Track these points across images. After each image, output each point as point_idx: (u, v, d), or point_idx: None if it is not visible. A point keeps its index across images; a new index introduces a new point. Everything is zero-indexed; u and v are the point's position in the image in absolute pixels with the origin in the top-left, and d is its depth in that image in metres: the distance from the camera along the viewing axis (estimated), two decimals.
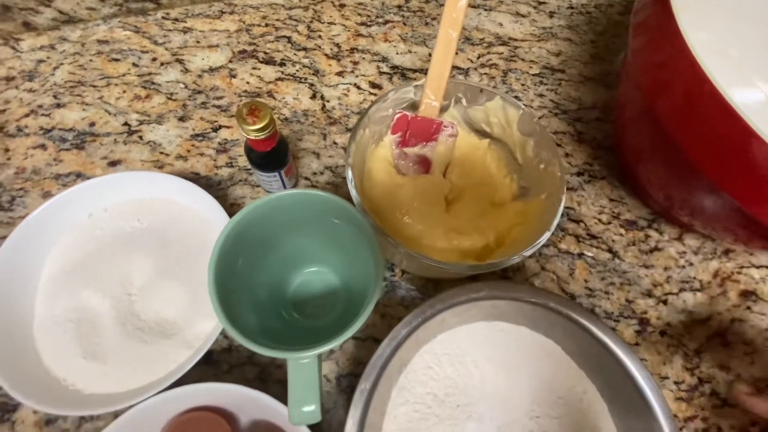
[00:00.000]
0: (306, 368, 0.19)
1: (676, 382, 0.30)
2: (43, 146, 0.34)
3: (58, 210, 0.27)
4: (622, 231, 0.36)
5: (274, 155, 0.28)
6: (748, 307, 0.33)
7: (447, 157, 0.32)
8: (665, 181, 0.33)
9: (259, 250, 0.24)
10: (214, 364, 0.27)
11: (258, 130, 0.25)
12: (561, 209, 0.27)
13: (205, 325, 0.25)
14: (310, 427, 0.22)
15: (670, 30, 0.27)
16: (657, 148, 0.32)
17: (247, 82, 0.38)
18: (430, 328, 0.25)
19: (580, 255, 0.34)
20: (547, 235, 0.26)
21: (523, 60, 0.43)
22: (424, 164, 0.32)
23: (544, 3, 0.47)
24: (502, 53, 0.43)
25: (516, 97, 0.41)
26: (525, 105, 0.35)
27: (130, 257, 0.26)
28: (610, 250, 0.34)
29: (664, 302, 0.33)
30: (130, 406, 0.22)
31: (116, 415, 0.22)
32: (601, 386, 0.26)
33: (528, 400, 0.25)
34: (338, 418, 0.27)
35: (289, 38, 0.41)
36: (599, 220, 0.36)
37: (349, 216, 0.23)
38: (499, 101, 0.31)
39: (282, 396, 0.21)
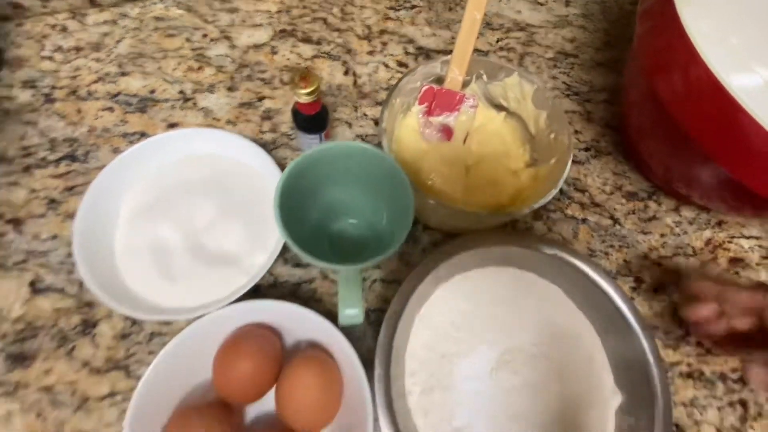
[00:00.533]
0: (352, 279, 0.23)
1: (665, 332, 0.34)
2: (111, 109, 0.38)
3: (131, 161, 0.31)
4: (623, 201, 0.39)
5: (317, 119, 0.32)
6: (736, 272, 0.37)
7: (467, 127, 0.36)
8: (665, 156, 0.36)
9: (309, 194, 0.29)
10: (261, 297, 0.32)
11: (308, 94, 0.29)
12: (567, 170, 0.31)
13: (259, 258, 0.29)
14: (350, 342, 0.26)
15: (670, 17, 0.30)
16: (658, 125, 0.35)
17: (287, 59, 0.42)
18: (448, 268, 0.29)
19: (584, 220, 0.38)
20: (553, 192, 0.30)
21: (539, 45, 0.46)
22: (447, 132, 0.36)
23: None
24: (520, 38, 0.47)
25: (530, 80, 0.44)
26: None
27: (195, 200, 0.30)
28: (611, 217, 0.38)
29: (659, 264, 0.37)
30: (195, 318, 0.26)
31: (180, 331, 0.27)
32: (597, 325, 0.30)
33: (531, 331, 0.29)
34: (367, 345, 0.31)
35: (324, 20, 0.45)
36: (603, 190, 0.39)
37: (384, 164, 0.27)
38: (517, 77, 0.35)
39: None
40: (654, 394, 0.26)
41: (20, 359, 0.29)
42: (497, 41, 0.46)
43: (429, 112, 0.36)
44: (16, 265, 0.32)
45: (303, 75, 0.29)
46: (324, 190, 0.30)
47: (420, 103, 0.36)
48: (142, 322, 0.31)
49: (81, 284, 0.32)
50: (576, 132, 0.42)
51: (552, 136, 0.34)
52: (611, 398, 0.27)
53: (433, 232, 0.36)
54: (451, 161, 0.35)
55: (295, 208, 0.28)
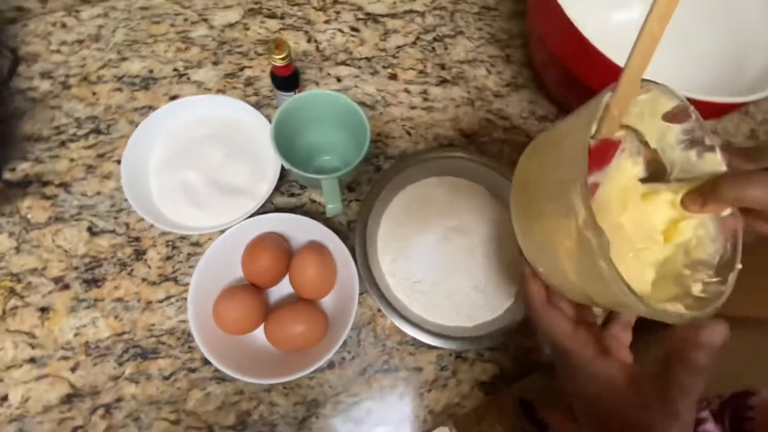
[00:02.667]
0: (332, 185, 0.34)
1: None
2: (120, 89, 0.47)
3: (153, 123, 0.41)
4: (537, 123, 0.51)
5: (291, 79, 0.42)
6: None
7: (613, 175, 0.26)
8: (558, 83, 0.47)
9: (292, 138, 0.39)
10: None
11: (282, 59, 0.39)
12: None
13: (262, 186, 0.40)
14: (337, 234, 0.37)
15: None
16: (550, 61, 0.46)
17: (258, 33, 0.51)
18: (401, 180, 0.40)
19: (506, 141, 0.49)
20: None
21: (466, 2, 0.56)
22: (592, 190, 0.25)
23: None
24: None
25: (461, 32, 0.54)
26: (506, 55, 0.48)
27: (207, 149, 0.40)
28: (527, 136, 0.50)
29: None
30: (222, 231, 0.37)
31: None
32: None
33: (464, 216, 0.41)
34: (351, 244, 0.42)
35: None
36: (521, 116, 0.51)
37: (343, 103, 0.37)
38: (654, 93, 0.24)
39: None
40: None
41: (93, 282, 0.40)
42: (431, 2, 0.55)
43: None
44: (72, 217, 0.41)
45: (277, 44, 0.39)
46: (303, 135, 0.40)
47: None
48: (179, 247, 0.41)
49: (127, 225, 0.41)
50: (499, 72, 0.53)
51: (693, 152, 0.26)
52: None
53: (392, 161, 0.46)
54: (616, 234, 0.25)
55: (284, 147, 0.38)
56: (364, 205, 0.38)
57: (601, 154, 0.25)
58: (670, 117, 0.25)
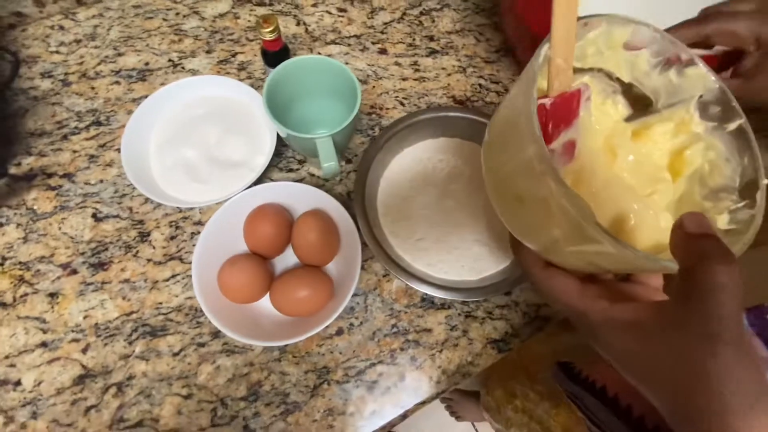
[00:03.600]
0: (326, 144, 0.34)
1: None
2: (117, 82, 0.48)
3: (150, 108, 0.41)
4: None
5: (281, 53, 0.43)
6: None
7: (590, 125, 0.25)
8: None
9: (286, 108, 0.39)
10: None
11: (270, 32, 0.39)
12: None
13: (259, 159, 0.40)
14: (337, 198, 0.38)
15: None
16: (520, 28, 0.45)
17: (248, 20, 0.52)
18: (397, 142, 0.40)
19: (499, 103, 0.49)
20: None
21: None
22: (569, 150, 0.24)
23: None
24: None
25: (446, 4, 0.55)
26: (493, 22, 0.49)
27: (205, 126, 0.41)
28: None
29: None
30: (226, 200, 0.37)
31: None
32: None
33: (460, 175, 0.40)
34: (352, 211, 0.42)
35: None
36: (513, 79, 0.51)
37: (332, 65, 0.38)
38: (604, 26, 0.22)
39: None
40: None
41: (99, 265, 0.40)
42: None
43: (547, 139, 0.22)
44: (77, 205, 0.42)
45: (265, 18, 0.39)
46: (295, 106, 0.41)
47: None
48: (182, 226, 0.42)
49: (131, 209, 0.42)
50: (488, 40, 0.53)
51: (671, 71, 0.23)
52: None
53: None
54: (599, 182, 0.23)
55: (280, 114, 0.38)
56: (360, 168, 0.38)
57: (565, 108, 0.23)
58: (632, 46, 0.23)
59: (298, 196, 0.39)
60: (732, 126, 0.22)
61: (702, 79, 0.23)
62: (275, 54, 0.42)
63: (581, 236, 0.19)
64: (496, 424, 0.67)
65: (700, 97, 0.23)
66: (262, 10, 0.53)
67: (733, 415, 0.16)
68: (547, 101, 0.22)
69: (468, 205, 0.39)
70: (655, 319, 0.18)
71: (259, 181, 0.40)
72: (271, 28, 0.39)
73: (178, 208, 0.42)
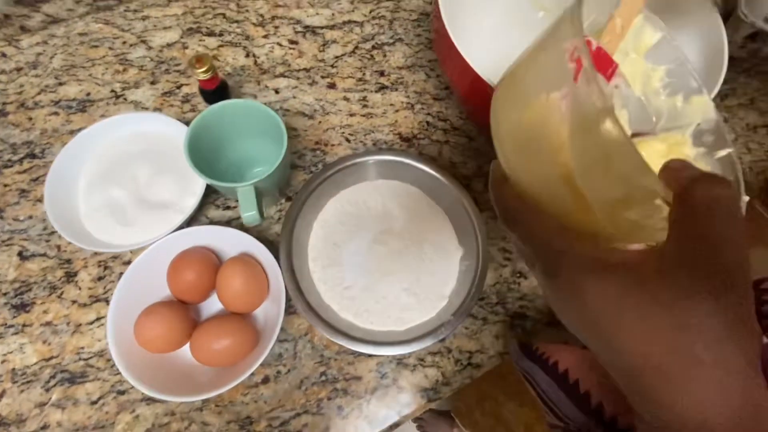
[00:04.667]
0: (248, 193, 0.33)
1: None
2: (56, 113, 0.47)
3: (83, 143, 0.41)
4: (474, 126, 0.51)
5: (218, 91, 0.42)
6: None
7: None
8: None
9: (218, 150, 0.39)
10: None
11: (204, 72, 0.39)
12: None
13: (190, 201, 0.39)
14: (266, 244, 0.37)
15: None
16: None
17: (197, 51, 0.51)
18: (333, 184, 0.40)
19: (446, 141, 0.49)
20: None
21: (404, 10, 0.57)
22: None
23: None
24: (389, 6, 0.57)
25: (399, 39, 0.55)
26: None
27: (136, 165, 0.40)
28: (467, 136, 0.50)
29: None
30: (151, 244, 0.36)
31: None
32: (443, 206, 0.41)
33: (397, 218, 0.40)
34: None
35: (224, 14, 0.54)
36: (460, 117, 0.51)
37: (259, 109, 0.37)
38: (640, 20, 0.24)
39: None
40: (477, 241, 0.37)
41: (22, 307, 0.39)
42: (370, 12, 0.56)
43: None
44: (3, 242, 0.41)
45: (198, 58, 0.39)
46: (230, 146, 0.40)
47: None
48: (111, 266, 0.41)
49: (58, 247, 0.41)
50: (438, 76, 0.53)
51: (678, 96, 0.24)
52: (456, 252, 0.39)
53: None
54: None
55: (209, 158, 0.38)
56: (288, 215, 0.37)
57: (602, 66, 0.23)
58: (654, 58, 0.24)
59: (226, 239, 0.38)
60: (721, 154, 0.23)
61: (703, 107, 0.23)
62: (212, 92, 0.42)
63: (594, 154, 0.17)
64: (465, 430, 0.66)
65: (698, 125, 0.24)
66: (211, 41, 0.52)
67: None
68: (594, 41, 0.22)
69: (400, 252, 0.38)
70: (648, 261, 0.16)
71: (190, 220, 0.39)
72: (204, 68, 0.39)
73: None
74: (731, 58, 0.60)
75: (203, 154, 0.37)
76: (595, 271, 0.17)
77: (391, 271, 0.38)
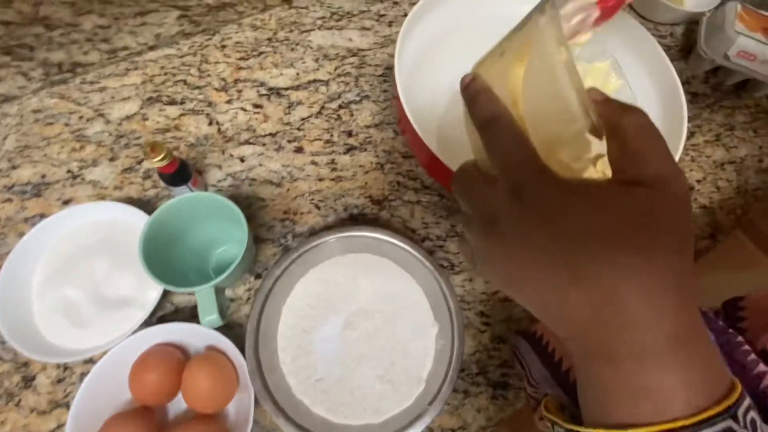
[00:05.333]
0: (207, 295, 0.32)
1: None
2: (9, 200, 0.45)
3: (37, 238, 0.39)
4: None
5: (178, 174, 0.41)
6: None
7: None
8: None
9: (181, 236, 0.37)
10: (166, 323, 0.40)
11: (160, 160, 0.37)
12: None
13: (151, 294, 0.38)
14: (235, 335, 0.35)
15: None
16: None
17: (157, 122, 0.50)
18: (301, 265, 0.38)
19: (418, 201, 0.48)
20: None
21: (369, 65, 0.56)
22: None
23: (384, 15, 0.60)
24: (353, 63, 0.56)
25: (366, 96, 0.54)
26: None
27: (93, 258, 0.38)
28: (438, 194, 0.49)
29: None
30: (111, 347, 0.34)
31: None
32: (417, 279, 0.40)
33: (368, 296, 0.39)
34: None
35: (185, 81, 0.53)
36: (429, 175, 0.50)
37: (221, 203, 0.36)
38: (608, 65, 0.26)
39: None
40: (452, 319, 0.36)
41: None
42: (335, 69, 0.56)
43: None
44: None
45: (152, 147, 0.37)
46: (192, 232, 0.39)
47: None
48: (72, 367, 0.39)
49: (15, 351, 0.39)
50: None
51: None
52: (431, 328, 0.38)
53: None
54: None
55: (167, 250, 0.36)
56: (254, 305, 0.36)
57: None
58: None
59: (192, 335, 0.37)
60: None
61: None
62: (171, 175, 0.40)
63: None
64: None
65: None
66: (172, 110, 0.51)
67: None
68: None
69: (373, 335, 0.37)
70: (607, 183, 0.19)
71: (153, 314, 0.37)
72: (160, 157, 0.37)
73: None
74: (695, 94, 0.61)
75: (161, 247, 0.35)
76: (556, 186, 0.18)
77: (365, 357, 0.36)
